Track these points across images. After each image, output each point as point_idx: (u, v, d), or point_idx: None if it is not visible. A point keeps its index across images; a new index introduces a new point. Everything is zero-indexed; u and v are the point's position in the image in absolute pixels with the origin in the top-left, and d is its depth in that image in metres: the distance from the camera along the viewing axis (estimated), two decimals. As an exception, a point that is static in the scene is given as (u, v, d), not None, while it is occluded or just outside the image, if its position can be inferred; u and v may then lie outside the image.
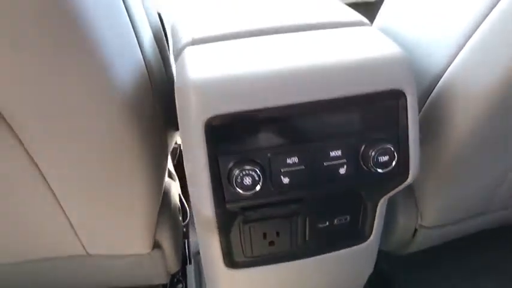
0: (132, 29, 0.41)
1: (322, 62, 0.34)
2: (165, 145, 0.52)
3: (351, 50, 0.36)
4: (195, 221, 0.46)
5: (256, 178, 0.34)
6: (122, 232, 0.47)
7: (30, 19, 0.28)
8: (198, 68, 0.34)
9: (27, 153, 0.35)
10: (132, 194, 0.42)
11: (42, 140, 0.35)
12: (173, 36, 0.45)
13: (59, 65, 0.30)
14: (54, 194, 0.39)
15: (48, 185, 0.38)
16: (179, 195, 0.62)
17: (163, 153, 0.51)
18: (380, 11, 0.50)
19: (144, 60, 0.43)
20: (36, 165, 0.37)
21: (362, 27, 0.40)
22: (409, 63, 0.36)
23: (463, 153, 0.42)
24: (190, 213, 0.65)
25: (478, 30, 0.36)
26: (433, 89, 0.41)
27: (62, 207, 0.41)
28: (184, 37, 0.39)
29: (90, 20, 0.30)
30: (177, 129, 0.61)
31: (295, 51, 0.36)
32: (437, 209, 0.50)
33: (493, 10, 0.35)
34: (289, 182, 0.35)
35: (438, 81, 0.40)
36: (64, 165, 0.38)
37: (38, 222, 0.43)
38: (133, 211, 0.44)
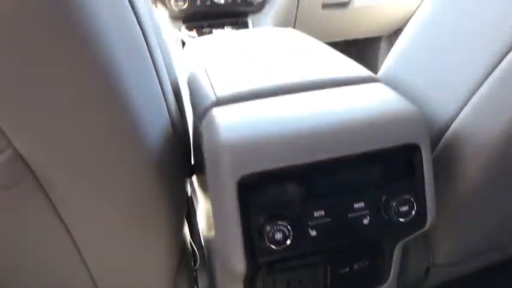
0: (158, 83, 0.42)
1: (344, 121, 0.37)
2: (184, 193, 0.53)
3: (368, 108, 0.38)
4: (217, 272, 0.47)
5: (287, 233, 0.35)
6: (144, 283, 0.47)
7: (64, 79, 0.28)
8: (228, 130, 0.36)
9: (54, 207, 0.36)
10: (159, 246, 0.43)
11: (68, 197, 0.36)
12: (192, 92, 0.47)
13: (89, 123, 0.31)
14: (75, 243, 0.39)
15: (70, 234, 0.38)
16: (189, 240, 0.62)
17: (183, 201, 0.52)
18: (386, 60, 0.53)
19: (168, 110, 0.44)
20: (59, 216, 0.37)
21: (374, 83, 0.43)
22: (421, 119, 0.38)
23: (474, 196, 0.44)
24: (199, 257, 0.65)
25: (490, 77, 0.38)
26: (444, 134, 0.43)
27: (82, 256, 0.41)
28: (208, 96, 0.41)
29: (124, 81, 0.31)
30: (190, 176, 0.63)
31: (316, 110, 0.38)
32: (449, 248, 0.52)
33: (505, 58, 0.37)
34: (317, 234, 0.37)
35: (449, 127, 0.43)
36: (90, 219, 0.38)
37: (55, 270, 0.43)
38: (159, 263, 0.44)
